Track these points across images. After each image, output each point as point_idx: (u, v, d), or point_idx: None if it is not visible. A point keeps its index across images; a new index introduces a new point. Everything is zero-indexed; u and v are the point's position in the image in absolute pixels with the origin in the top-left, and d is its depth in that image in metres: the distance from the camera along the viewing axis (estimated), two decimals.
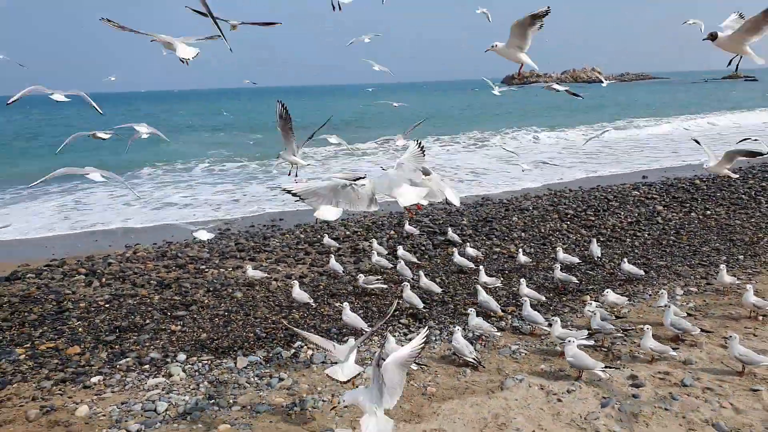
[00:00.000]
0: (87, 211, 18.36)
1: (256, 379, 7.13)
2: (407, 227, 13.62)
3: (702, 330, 7.68)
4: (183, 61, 5.95)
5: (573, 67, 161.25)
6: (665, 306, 7.81)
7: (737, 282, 9.54)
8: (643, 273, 10.25)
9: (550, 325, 7.77)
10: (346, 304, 8.45)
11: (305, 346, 7.98)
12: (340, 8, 8.40)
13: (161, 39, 5.81)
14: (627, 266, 10.11)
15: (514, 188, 20.45)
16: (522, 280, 9.21)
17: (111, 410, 6.45)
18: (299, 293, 9.31)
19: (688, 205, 15.99)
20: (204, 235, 11.65)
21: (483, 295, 8.76)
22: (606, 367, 6.62)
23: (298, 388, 6.80)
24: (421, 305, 8.89)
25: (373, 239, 12.47)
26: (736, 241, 12.45)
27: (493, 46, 5.79)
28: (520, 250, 11.49)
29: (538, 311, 8.58)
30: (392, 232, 14.06)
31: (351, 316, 8.22)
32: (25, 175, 21.88)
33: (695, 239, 12.77)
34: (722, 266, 9.54)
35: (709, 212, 15.04)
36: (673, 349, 7.13)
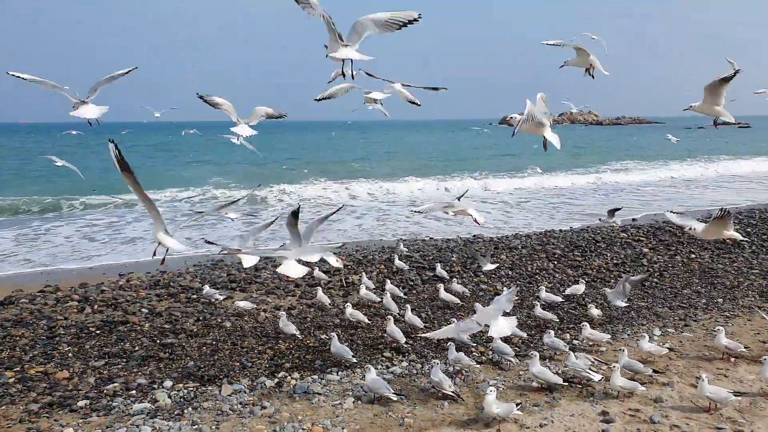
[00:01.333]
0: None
1: (239, 406, 7.31)
2: (397, 262, 13.92)
3: (654, 371, 7.83)
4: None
5: (570, 110, 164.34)
6: (621, 350, 8.03)
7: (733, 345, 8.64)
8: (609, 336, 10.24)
9: (520, 356, 7.99)
10: (333, 334, 8.69)
11: (289, 377, 8.16)
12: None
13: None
14: (594, 310, 10.35)
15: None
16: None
17: None
18: (286, 324, 9.54)
19: (673, 248, 16.33)
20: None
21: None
22: (567, 381, 6.74)
23: (280, 416, 6.98)
24: (403, 340, 9.10)
25: (363, 273, 12.74)
26: (717, 285, 12.74)
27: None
28: (505, 288, 11.76)
29: (520, 348, 8.82)
30: (382, 266, 14.34)
31: (338, 347, 8.45)
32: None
33: (678, 282, 13.07)
34: (720, 328, 8.73)
35: (693, 256, 15.38)
36: (642, 384, 7.35)
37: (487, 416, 6.61)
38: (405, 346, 9.19)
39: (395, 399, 7.24)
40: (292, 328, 9.52)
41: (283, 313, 9.99)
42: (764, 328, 9.88)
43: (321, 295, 11.23)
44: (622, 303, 10.44)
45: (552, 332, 8.62)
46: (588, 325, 9.18)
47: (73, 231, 20.24)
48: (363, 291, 11.47)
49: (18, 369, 8.52)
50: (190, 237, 17.94)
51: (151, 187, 27.15)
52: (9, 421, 7.01)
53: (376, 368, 8.46)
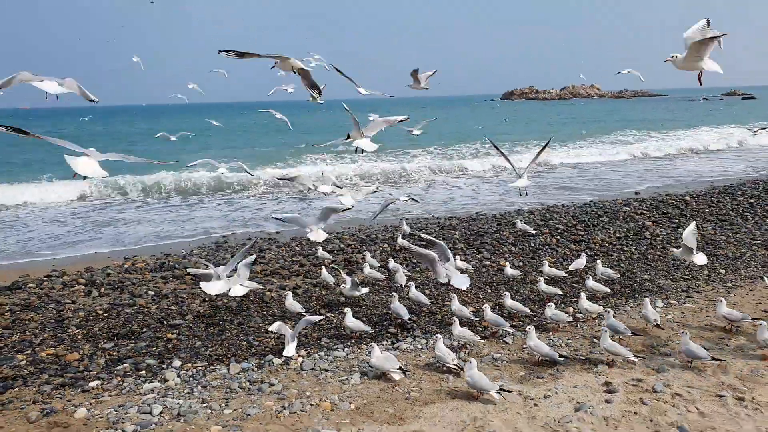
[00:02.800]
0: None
1: (248, 384, 7.43)
2: (400, 240, 13.98)
3: (633, 333, 7.98)
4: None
5: (572, 83, 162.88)
6: (606, 311, 8.18)
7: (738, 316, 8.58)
8: (609, 290, 10.40)
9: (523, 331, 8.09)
10: (347, 309, 8.86)
11: (296, 354, 8.28)
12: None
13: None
14: (591, 282, 10.29)
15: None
16: (507, 294, 9.44)
17: (108, 412, 6.75)
18: (291, 303, 9.64)
19: (677, 220, 16.35)
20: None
21: (456, 304, 9.16)
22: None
23: (288, 393, 7.10)
24: (407, 316, 9.20)
25: (366, 251, 12.81)
26: (720, 256, 12.79)
27: (673, 56, 6.57)
28: (508, 263, 11.83)
29: (523, 323, 8.96)
30: (385, 245, 14.40)
31: (353, 322, 8.61)
32: None
33: None
34: (721, 299, 8.77)
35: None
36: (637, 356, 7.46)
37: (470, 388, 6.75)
38: (409, 322, 9.29)
39: (398, 378, 7.37)
40: (297, 307, 9.63)
41: (289, 292, 10.09)
42: (765, 297, 9.94)
43: (325, 274, 11.32)
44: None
45: (553, 305, 8.69)
46: (584, 295, 9.31)
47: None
48: (367, 269, 11.55)
49: (29, 352, 8.65)
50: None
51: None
52: (23, 402, 7.14)
53: (381, 344, 8.59)
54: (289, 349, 8.10)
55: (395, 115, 9.18)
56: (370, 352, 7.44)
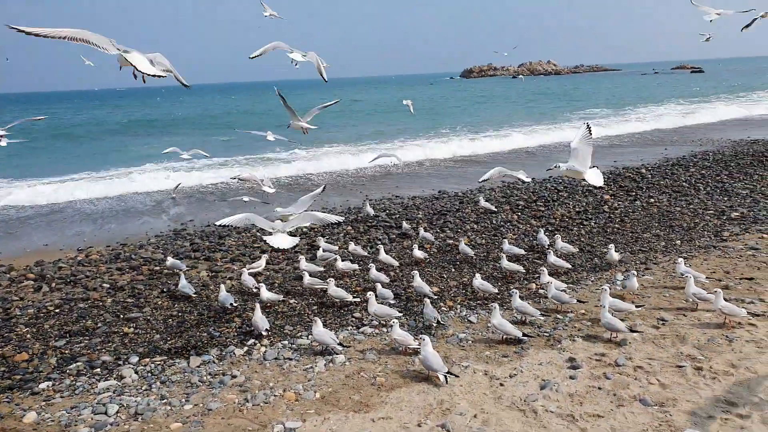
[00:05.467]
0: None
1: (209, 377, 7.20)
2: (368, 208, 14.94)
3: (631, 330, 7.59)
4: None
5: (530, 60, 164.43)
6: (603, 289, 8.24)
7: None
8: (569, 266, 10.50)
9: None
10: (331, 280, 9.18)
11: (258, 344, 8.08)
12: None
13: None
14: (552, 258, 10.44)
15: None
16: (515, 291, 8.52)
17: (60, 415, 6.43)
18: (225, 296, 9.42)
19: (633, 193, 16.70)
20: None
21: (417, 280, 9.46)
22: (448, 372, 6.65)
23: (251, 384, 6.91)
24: (350, 297, 9.32)
25: (320, 237, 12.66)
26: (675, 227, 13.12)
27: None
28: (462, 240, 11.86)
29: (488, 302, 8.95)
30: (349, 227, 14.22)
31: (377, 307, 8.50)
32: None
33: (638, 226, 13.39)
34: (680, 259, 9.56)
35: (652, 200, 15.76)
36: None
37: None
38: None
39: (340, 351, 7.52)
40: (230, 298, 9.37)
41: (223, 284, 9.76)
42: (719, 267, 10.24)
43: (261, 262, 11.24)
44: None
45: (517, 292, 8.48)
46: (546, 270, 9.46)
47: None
48: (320, 253, 11.49)
49: None
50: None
51: None
52: None
53: (346, 329, 8.48)
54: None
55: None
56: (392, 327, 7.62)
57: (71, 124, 56.93)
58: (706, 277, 9.46)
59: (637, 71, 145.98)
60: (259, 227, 8.98)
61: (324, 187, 11.04)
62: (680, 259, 9.55)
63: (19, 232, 16.01)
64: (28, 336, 8.76)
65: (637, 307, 8.18)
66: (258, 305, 8.57)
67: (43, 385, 7.16)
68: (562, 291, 8.91)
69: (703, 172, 19.30)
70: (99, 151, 34.48)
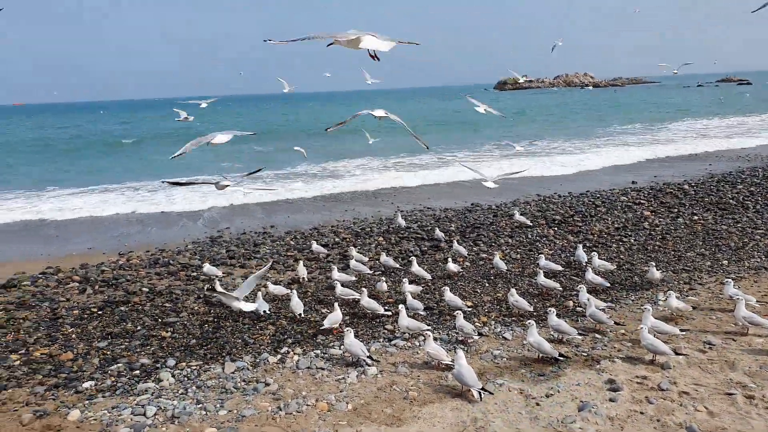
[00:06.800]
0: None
1: (242, 384, 7.28)
2: (399, 220, 14.88)
3: (676, 352, 7.29)
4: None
5: (566, 72, 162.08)
6: (645, 309, 7.97)
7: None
8: (608, 284, 10.21)
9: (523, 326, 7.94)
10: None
11: (291, 352, 8.13)
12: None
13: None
14: (590, 275, 10.16)
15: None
16: (551, 309, 8.34)
17: (101, 414, 6.61)
18: (298, 303, 9.52)
19: (675, 210, 16.20)
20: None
21: (448, 294, 9.40)
22: (482, 389, 6.54)
23: (283, 393, 6.95)
24: (381, 310, 9.25)
25: (352, 246, 12.71)
26: (722, 247, 12.64)
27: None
28: (497, 254, 11.68)
29: (523, 318, 8.82)
30: (380, 238, 14.23)
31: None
32: None
33: (681, 245, 12.96)
34: (728, 280, 9.28)
35: (696, 217, 15.26)
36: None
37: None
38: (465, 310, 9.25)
39: (371, 363, 7.45)
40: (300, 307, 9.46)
41: (294, 291, 9.76)
42: None
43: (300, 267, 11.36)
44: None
45: (554, 310, 8.33)
46: (584, 288, 9.27)
47: None
48: (353, 263, 11.43)
49: (23, 351, 8.51)
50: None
51: None
52: (16, 404, 7.00)
53: (378, 341, 8.45)
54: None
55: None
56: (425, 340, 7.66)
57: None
58: (757, 300, 9.07)
59: (678, 84, 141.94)
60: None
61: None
62: (729, 280, 9.20)
63: (63, 235, 16.63)
64: (73, 336, 9.06)
65: (681, 330, 7.90)
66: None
67: (86, 384, 7.38)
68: (601, 310, 8.68)
69: (752, 189, 18.59)
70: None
